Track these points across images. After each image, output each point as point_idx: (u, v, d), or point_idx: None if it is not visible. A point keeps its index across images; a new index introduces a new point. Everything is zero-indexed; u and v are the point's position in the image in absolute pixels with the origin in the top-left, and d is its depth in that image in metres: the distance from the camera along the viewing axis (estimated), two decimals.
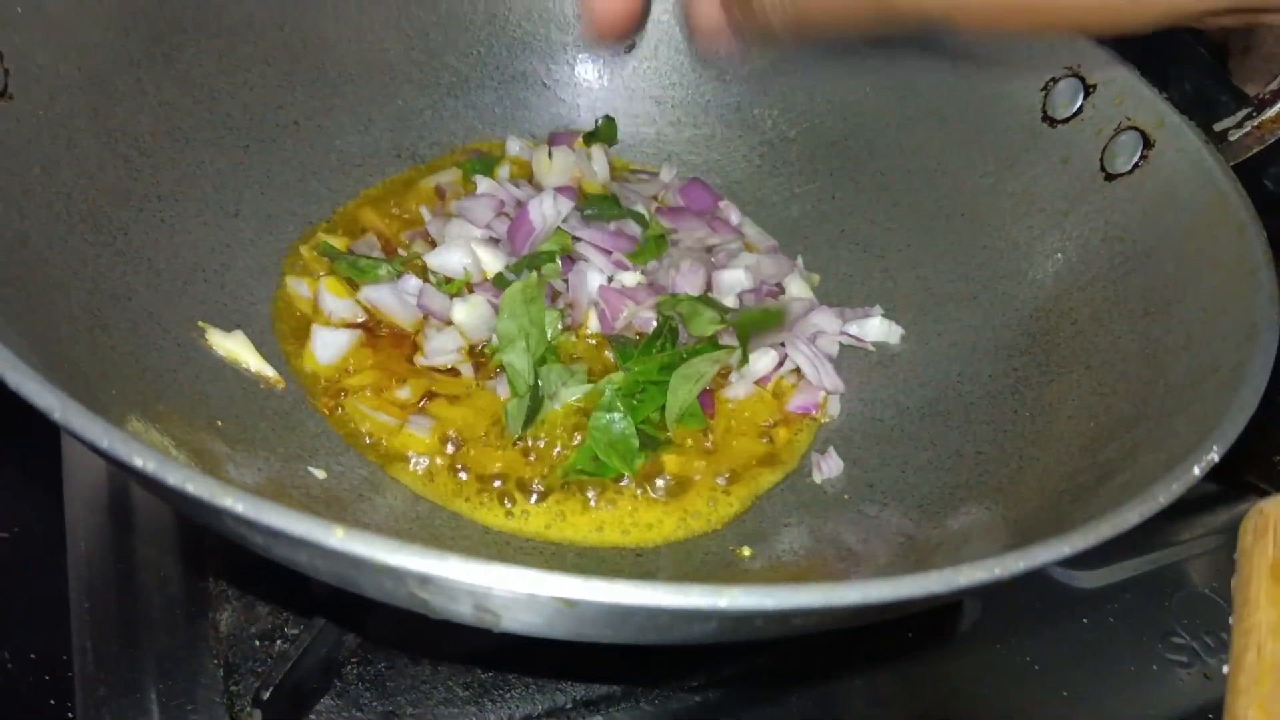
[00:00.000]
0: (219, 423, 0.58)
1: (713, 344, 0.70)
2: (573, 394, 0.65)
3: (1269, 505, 0.50)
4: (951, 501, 0.60)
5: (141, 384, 0.56)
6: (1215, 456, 0.44)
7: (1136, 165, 0.68)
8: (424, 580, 0.34)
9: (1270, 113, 0.64)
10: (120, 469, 0.37)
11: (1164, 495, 0.42)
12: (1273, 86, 0.64)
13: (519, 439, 0.65)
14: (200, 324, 0.64)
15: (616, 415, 0.63)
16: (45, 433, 0.73)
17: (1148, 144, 0.68)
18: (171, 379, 0.59)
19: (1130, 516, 0.41)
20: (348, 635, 0.61)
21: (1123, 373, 0.60)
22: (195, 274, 0.66)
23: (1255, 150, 0.65)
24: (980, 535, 0.54)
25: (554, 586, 0.33)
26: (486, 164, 0.81)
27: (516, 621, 0.39)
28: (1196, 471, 0.43)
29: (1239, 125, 0.65)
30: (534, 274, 0.67)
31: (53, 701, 0.61)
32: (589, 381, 0.67)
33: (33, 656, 0.65)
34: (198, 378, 0.60)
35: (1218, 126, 0.66)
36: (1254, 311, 0.53)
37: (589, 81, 0.88)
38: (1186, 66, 0.99)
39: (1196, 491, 0.85)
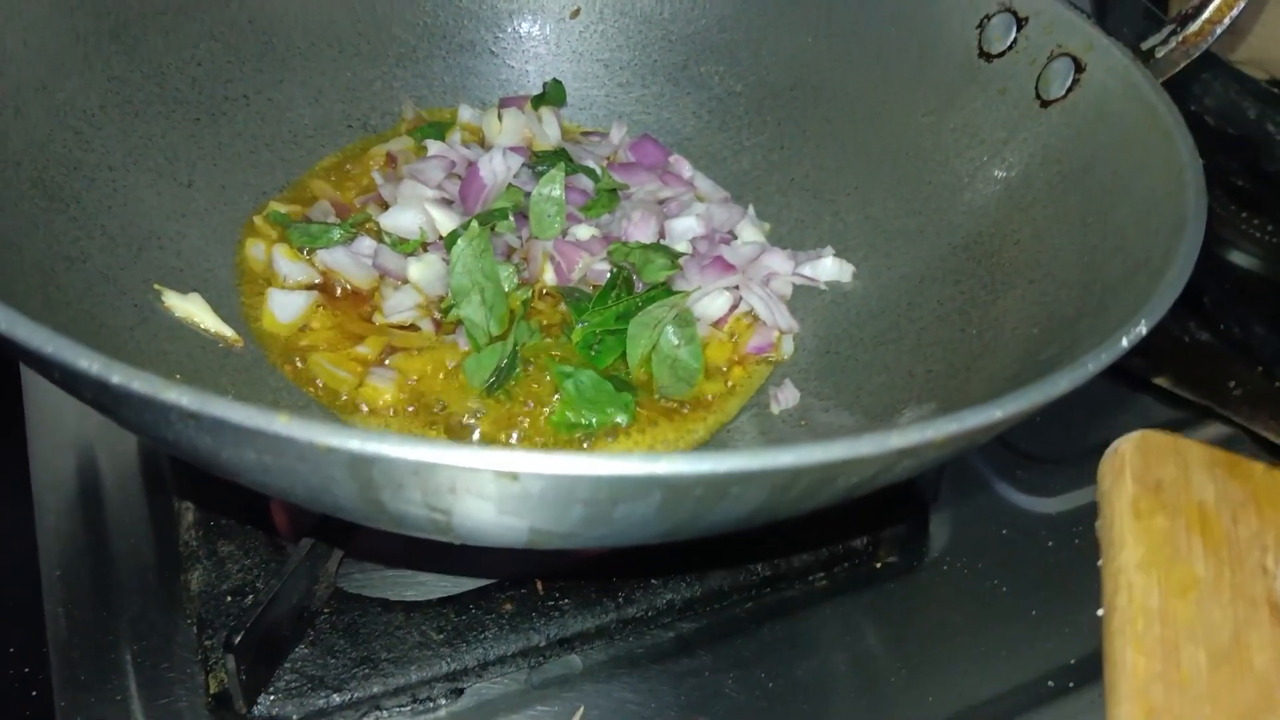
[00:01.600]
0: (178, 376, 0.58)
1: (667, 290, 0.71)
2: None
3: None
4: (901, 409, 0.61)
5: (98, 340, 0.56)
6: (1143, 330, 0.45)
7: (1070, 90, 0.70)
8: (368, 463, 0.35)
9: (1193, 26, 0.66)
10: (67, 383, 0.38)
11: (1093, 364, 0.43)
12: (1195, 2, 0.66)
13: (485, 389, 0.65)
14: (156, 286, 0.64)
15: (584, 377, 0.64)
16: (9, 411, 0.73)
17: (1079, 68, 0.69)
18: (129, 336, 0.59)
19: (1060, 383, 0.42)
20: (319, 585, 0.61)
21: (1064, 280, 0.61)
22: (150, 241, 0.67)
23: (1182, 65, 0.66)
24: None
25: (496, 460, 0.34)
26: (438, 130, 0.82)
27: (467, 518, 0.40)
28: (1124, 343, 0.44)
29: (1164, 42, 0.67)
30: (475, 226, 0.68)
31: (27, 669, 0.62)
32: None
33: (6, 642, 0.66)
34: (155, 337, 0.61)
35: (1144, 45, 0.68)
36: (1182, 207, 0.55)
37: (536, 47, 0.89)
38: (1126, 12, 1.01)
39: (1160, 418, 0.88)
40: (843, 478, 0.39)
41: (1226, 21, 0.65)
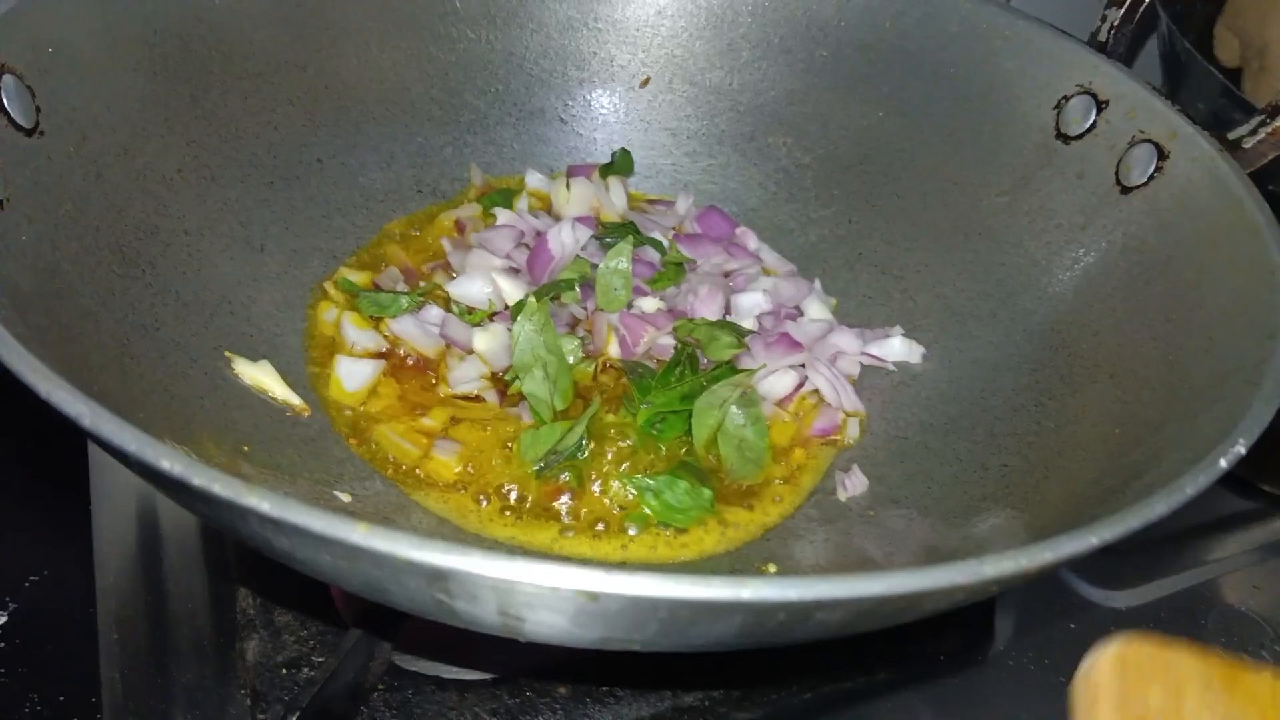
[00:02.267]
0: (245, 448, 0.59)
1: (731, 368, 0.70)
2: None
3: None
4: (976, 511, 0.59)
5: (170, 410, 0.56)
6: (1242, 449, 0.44)
7: (1152, 177, 0.68)
8: (445, 577, 0.34)
9: None
10: (147, 476, 0.38)
11: (1191, 486, 0.41)
12: None
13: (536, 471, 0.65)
14: (226, 354, 0.65)
15: (665, 489, 0.63)
16: (73, 471, 0.74)
17: (1162, 155, 0.68)
18: (199, 405, 0.60)
19: (1157, 507, 0.40)
20: (374, 661, 0.61)
21: (1145, 379, 0.60)
22: (222, 306, 0.68)
23: (1270, 156, 0.65)
24: (1003, 540, 0.53)
25: (577, 579, 0.33)
26: (506, 198, 0.82)
27: (541, 625, 0.39)
28: (1223, 464, 0.43)
29: (1253, 132, 0.65)
30: (533, 301, 0.68)
31: None
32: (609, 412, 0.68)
33: (61, 699, 0.66)
34: (224, 405, 0.61)
35: (1231, 135, 0.66)
36: (1274, 311, 0.53)
37: (605, 115, 0.89)
38: (1201, 87, 0.99)
39: (1230, 508, 0.85)
40: (929, 603, 0.38)
41: None
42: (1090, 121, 0.73)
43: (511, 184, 0.86)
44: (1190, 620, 0.77)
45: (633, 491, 0.63)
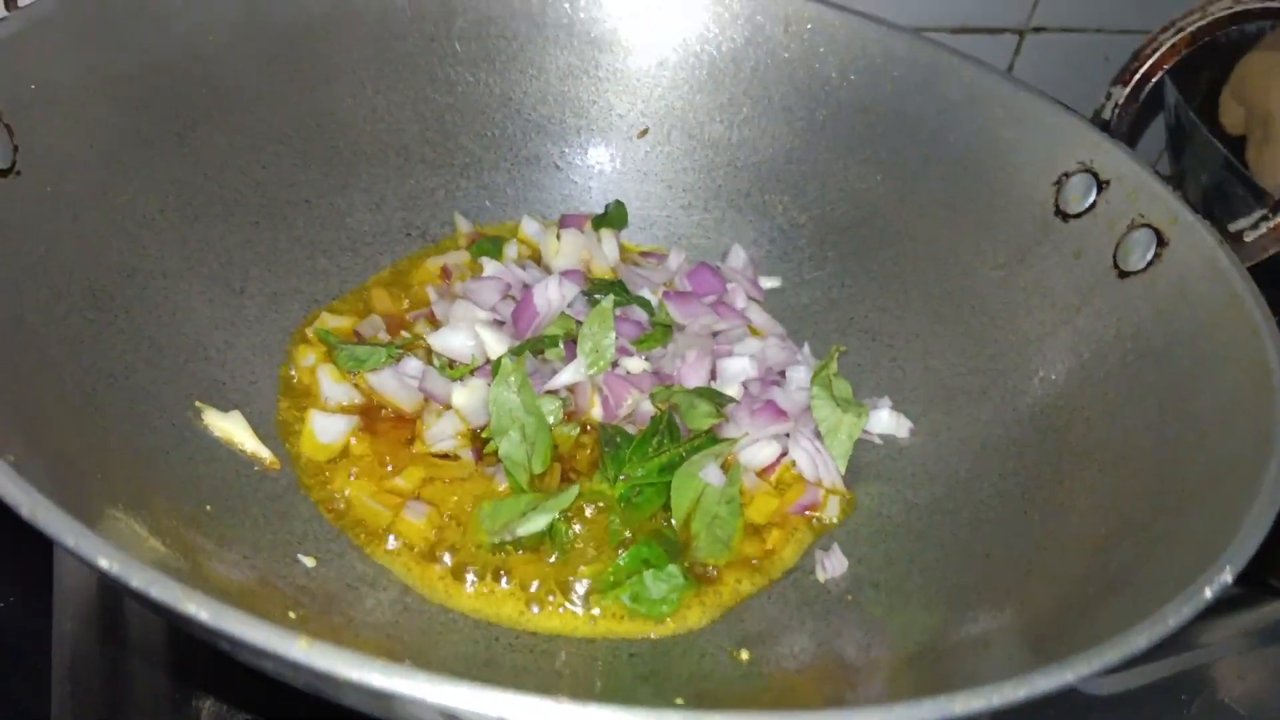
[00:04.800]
0: (208, 507, 0.57)
1: (711, 438, 0.68)
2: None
3: None
4: (959, 605, 0.58)
5: (133, 467, 0.55)
6: (1228, 578, 0.42)
7: (1150, 263, 0.67)
8: (388, 698, 0.32)
9: None
10: (88, 568, 0.36)
11: (1174, 618, 0.40)
12: None
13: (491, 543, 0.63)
14: (197, 404, 0.63)
15: (652, 579, 0.61)
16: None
17: (1161, 242, 0.67)
18: (164, 460, 0.58)
19: (1138, 640, 0.39)
20: None
21: (1136, 471, 0.58)
22: (196, 352, 0.66)
23: (1271, 251, 0.64)
24: (987, 646, 0.51)
25: (524, 711, 0.32)
26: (495, 246, 0.81)
27: None
28: (1208, 594, 0.41)
29: (1254, 226, 0.64)
30: (506, 363, 0.66)
31: None
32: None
33: None
34: (191, 459, 0.60)
35: (1233, 226, 0.65)
36: (1268, 415, 0.51)
37: (601, 164, 0.88)
38: (1203, 158, 0.98)
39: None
40: None
41: None
42: (1090, 200, 0.72)
43: (503, 231, 0.84)
44: (1173, 708, 0.75)
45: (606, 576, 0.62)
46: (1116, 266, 0.69)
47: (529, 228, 0.84)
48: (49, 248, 0.59)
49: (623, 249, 0.85)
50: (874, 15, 0.83)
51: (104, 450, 0.54)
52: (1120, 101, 0.73)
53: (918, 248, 0.81)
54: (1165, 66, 0.72)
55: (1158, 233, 0.67)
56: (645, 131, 0.88)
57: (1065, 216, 0.74)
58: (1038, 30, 1.28)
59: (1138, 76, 0.73)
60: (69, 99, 0.62)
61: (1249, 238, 0.64)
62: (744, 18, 0.85)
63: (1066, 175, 0.74)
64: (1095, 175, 0.72)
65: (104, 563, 0.34)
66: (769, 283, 0.85)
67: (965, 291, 0.77)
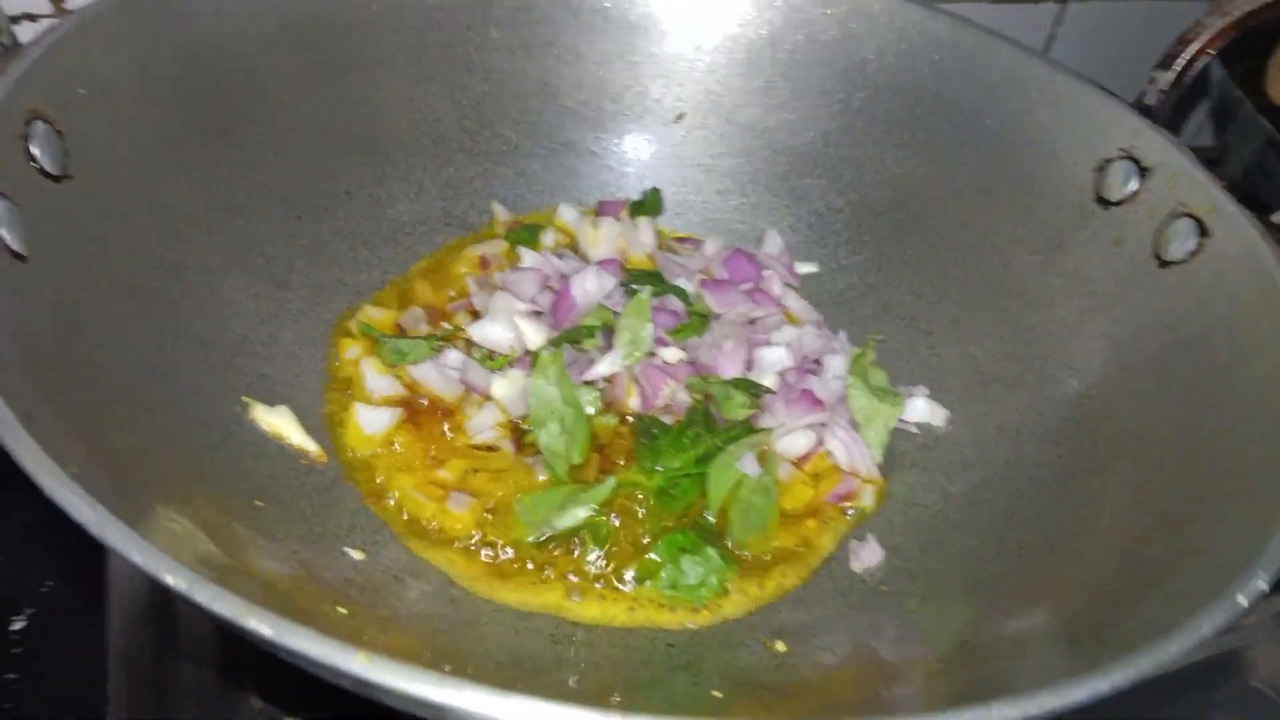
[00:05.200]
0: (258, 502, 0.59)
1: (748, 428, 0.69)
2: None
3: None
4: (993, 598, 0.59)
5: (183, 464, 0.57)
6: (1263, 585, 0.42)
7: (1193, 253, 0.67)
8: (443, 710, 0.34)
9: None
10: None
11: (1208, 625, 0.40)
12: None
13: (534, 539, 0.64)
14: (244, 399, 0.65)
15: (690, 564, 0.62)
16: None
17: (1203, 232, 0.66)
18: (213, 456, 0.60)
19: (1170, 649, 0.39)
20: None
21: (1170, 466, 0.58)
22: (242, 347, 0.68)
23: None
24: (1022, 646, 0.52)
25: None
26: (532, 234, 0.82)
27: None
28: (1242, 601, 0.42)
29: None
30: (544, 355, 0.67)
31: None
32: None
33: (70, 707, 0.67)
34: (240, 455, 0.61)
35: (1275, 217, 0.64)
36: None
37: (637, 149, 0.88)
38: (1247, 134, 0.97)
39: None
40: None
41: None
42: (1131, 188, 0.72)
43: (540, 218, 0.85)
44: (1202, 694, 0.75)
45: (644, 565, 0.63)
46: (1156, 256, 0.69)
47: (566, 215, 0.84)
48: (99, 249, 0.60)
49: (659, 235, 0.85)
50: None
51: (156, 450, 0.56)
52: (1164, 87, 0.73)
53: (955, 232, 0.80)
54: (1210, 52, 0.71)
55: (1199, 222, 0.67)
56: (682, 116, 0.88)
57: (1105, 203, 0.73)
58: None
59: (1182, 62, 0.72)
60: (116, 100, 0.64)
61: None
62: (782, 0, 0.85)
63: (1108, 161, 0.73)
64: (1137, 162, 0.72)
65: (170, 579, 0.35)
66: (805, 268, 0.85)
67: (1003, 277, 0.77)
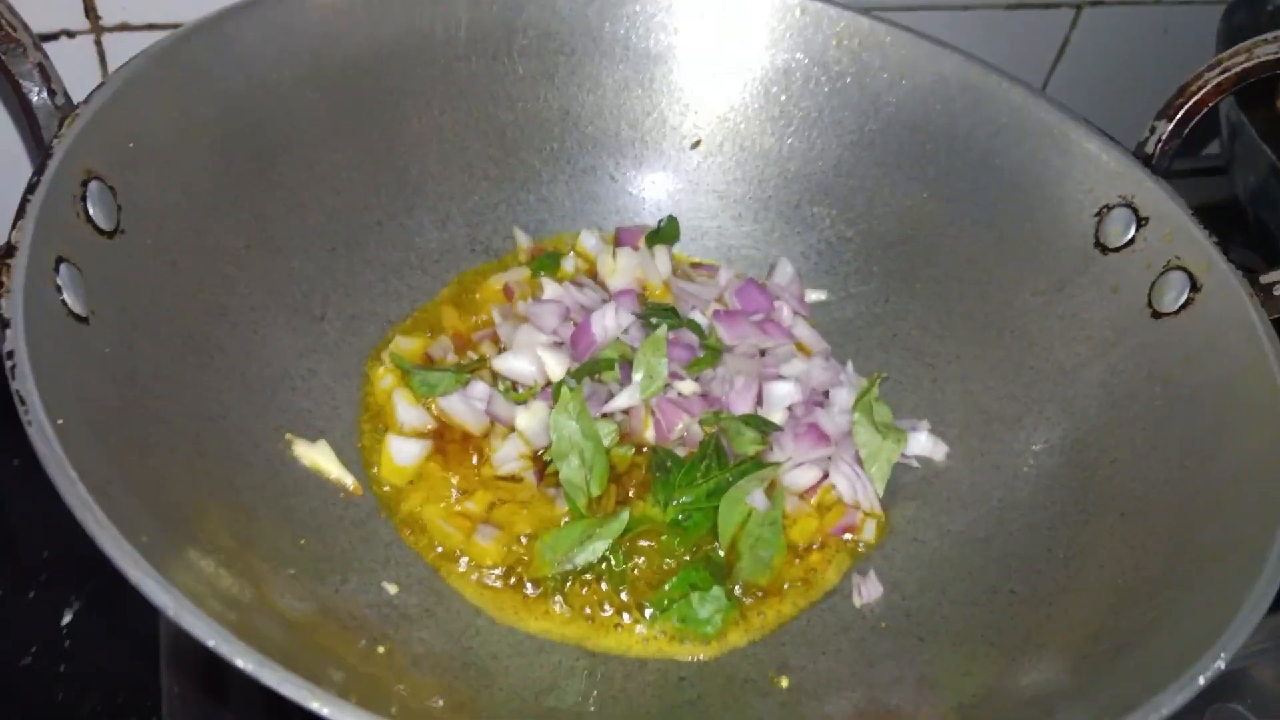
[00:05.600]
0: (302, 541, 0.63)
1: (757, 463, 0.73)
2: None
3: None
4: (982, 643, 0.63)
5: (235, 507, 0.61)
6: (1222, 665, 0.47)
7: (1183, 306, 0.70)
8: None
9: None
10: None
11: (1167, 706, 0.45)
12: None
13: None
14: (288, 435, 0.69)
15: (700, 605, 0.67)
16: None
17: (1195, 287, 0.70)
18: (260, 495, 0.64)
19: None
20: None
21: (1154, 527, 0.62)
22: (283, 382, 0.72)
23: None
24: (1005, 697, 0.56)
25: None
26: (554, 261, 0.85)
27: None
28: (1201, 681, 0.46)
29: None
30: (565, 392, 0.71)
31: None
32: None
33: (120, 700, 0.71)
34: (283, 493, 0.66)
35: (1264, 279, 0.67)
36: (1277, 492, 0.55)
37: (655, 175, 0.91)
38: (1252, 159, 0.99)
39: None
40: None
41: None
42: (1129, 236, 0.75)
43: (560, 243, 0.88)
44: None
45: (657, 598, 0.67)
46: (1151, 306, 0.72)
47: (587, 241, 0.88)
48: (151, 300, 0.64)
49: (675, 260, 0.88)
50: (926, 34, 0.85)
51: (211, 493, 0.60)
52: (1164, 136, 0.75)
53: (961, 268, 0.84)
54: (1210, 104, 0.73)
55: (1191, 277, 0.70)
56: (699, 143, 0.91)
57: (1105, 249, 0.76)
58: (1095, 4, 1.27)
59: (1182, 112, 0.74)
60: (162, 151, 0.67)
61: (1278, 291, 0.66)
62: (796, 31, 0.87)
63: (1108, 208, 0.76)
64: (1135, 211, 0.75)
65: (240, 661, 0.40)
66: (815, 295, 0.88)
67: (1005, 316, 0.80)
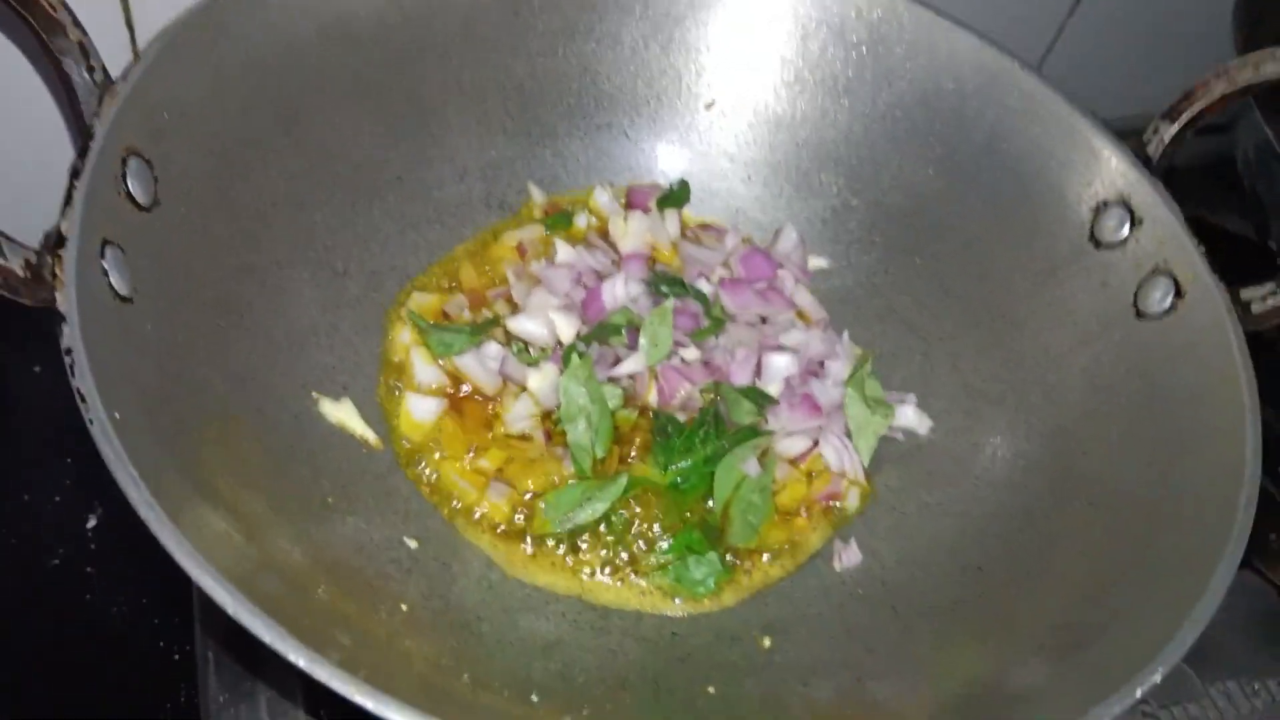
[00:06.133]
0: (330, 499, 0.68)
1: (752, 431, 0.78)
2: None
3: None
4: (945, 616, 0.69)
5: (267, 472, 0.65)
6: (1158, 679, 0.52)
7: (1166, 311, 0.74)
8: None
9: None
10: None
11: (1106, 717, 0.50)
12: None
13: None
14: (314, 394, 0.73)
15: (695, 563, 0.72)
16: None
17: (1179, 293, 0.73)
18: (290, 456, 0.68)
19: None
20: None
21: (1119, 524, 0.67)
22: (308, 339, 0.75)
23: (1273, 323, 0.70)
24: (971, 684, 0.62)
25: None
26: (567, 218, 0.88)
27: None
28: (1138, 693, 0.52)
29: (1263, 299, 0.70)
30: (576, 360, 0.75)
31: None
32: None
33: (145, 601, 0.76)
34: (312, 451, 0.70)
35: (1244, 294, 0.71)
36: (1230, 511, 0.60)
37: (668, 134, 0.93)
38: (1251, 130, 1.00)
39: None
40: None
41: None
42: (1123, 234, 0.78)
43: (574, 199, 0.91)
44: None
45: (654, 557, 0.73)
46: (1136, 305, 0.76)
47: (600, 197, 0.90)
48: (188, 264, 0.67)
49: (684, 220, 0.91)
50: (944, 10, 0.86)
51: (244, 461, 0.65)
52: (1166, 140, 0.77)
53: (960, 247, 0.87)
54: (1214, 113, 0.75)
55: (1177, 283, 0.73)
56: (712, 104, 0.92)
57: (1098, 244, 0.79)
58: None
59: (1185, 117, 0.76)
60: (194, 118, 0.69)
61: (1256, 309, 0.70)
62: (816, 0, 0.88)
63: (1105, 204, 0.79)
64: (1131, 211, 0.77)
65: (294, 657, 0.45)
66: (817, 262, 0.92)
67: (998, 297, 0.84)
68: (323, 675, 0.46)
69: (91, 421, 0.50)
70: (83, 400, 0.50)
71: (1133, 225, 0.77)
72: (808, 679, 0.66)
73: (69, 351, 0.52)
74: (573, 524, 0.74)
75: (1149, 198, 0.76)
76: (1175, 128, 0.77)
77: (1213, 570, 0.57)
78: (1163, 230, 0.75)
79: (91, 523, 0.83)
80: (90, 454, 0.85)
